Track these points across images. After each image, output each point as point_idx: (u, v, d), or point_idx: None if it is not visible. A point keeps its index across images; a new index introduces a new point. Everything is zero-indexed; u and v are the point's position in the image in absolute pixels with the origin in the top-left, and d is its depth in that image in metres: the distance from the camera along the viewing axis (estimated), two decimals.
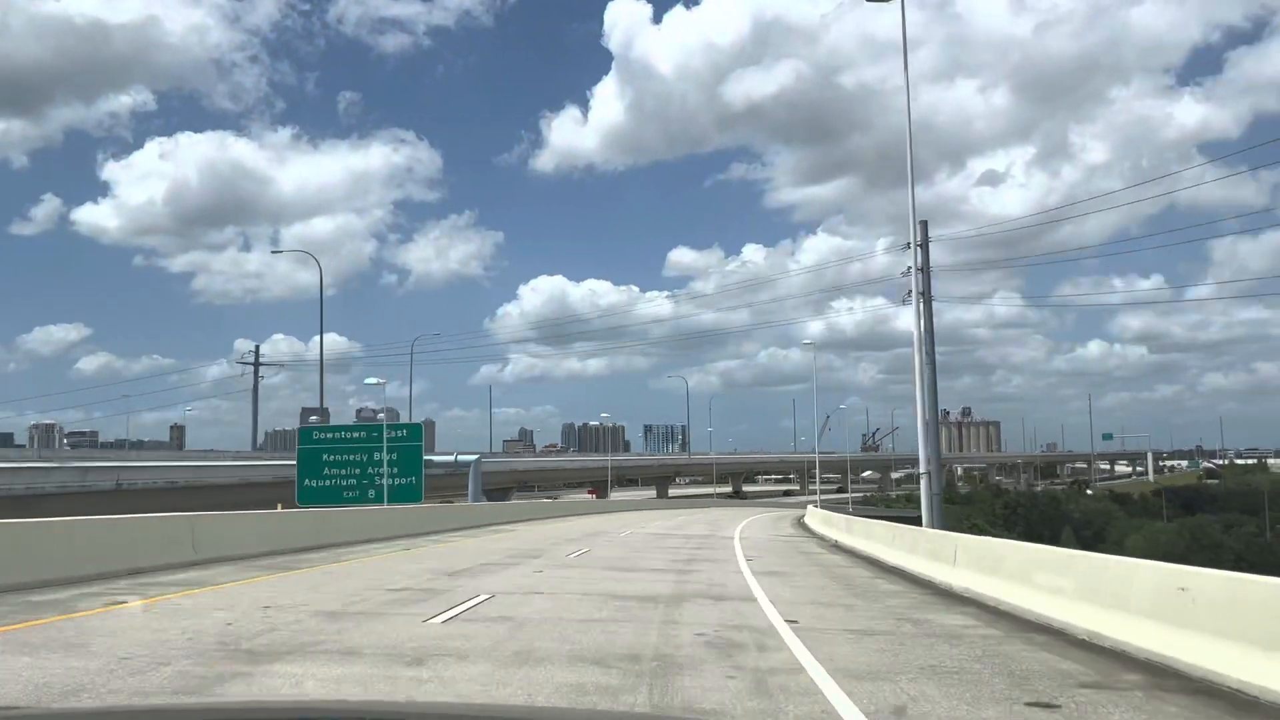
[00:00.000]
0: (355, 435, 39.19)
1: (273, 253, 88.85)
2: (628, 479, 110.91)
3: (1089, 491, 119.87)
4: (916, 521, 39.03)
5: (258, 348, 67.04)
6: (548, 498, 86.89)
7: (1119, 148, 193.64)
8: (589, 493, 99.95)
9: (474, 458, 42.20)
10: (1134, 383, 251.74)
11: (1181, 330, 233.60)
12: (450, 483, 48.71)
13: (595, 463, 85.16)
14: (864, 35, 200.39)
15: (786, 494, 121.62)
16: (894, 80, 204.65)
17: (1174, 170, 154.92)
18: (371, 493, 38.05)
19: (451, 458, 42.38)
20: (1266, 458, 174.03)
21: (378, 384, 32.83)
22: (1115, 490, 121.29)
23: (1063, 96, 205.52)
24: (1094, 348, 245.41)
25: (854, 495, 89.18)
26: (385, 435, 35.26)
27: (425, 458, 40.33)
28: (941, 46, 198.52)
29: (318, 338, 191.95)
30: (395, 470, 38.78)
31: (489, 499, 69.52)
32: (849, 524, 23.78)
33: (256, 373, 66.79)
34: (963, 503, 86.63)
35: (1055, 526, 75.57)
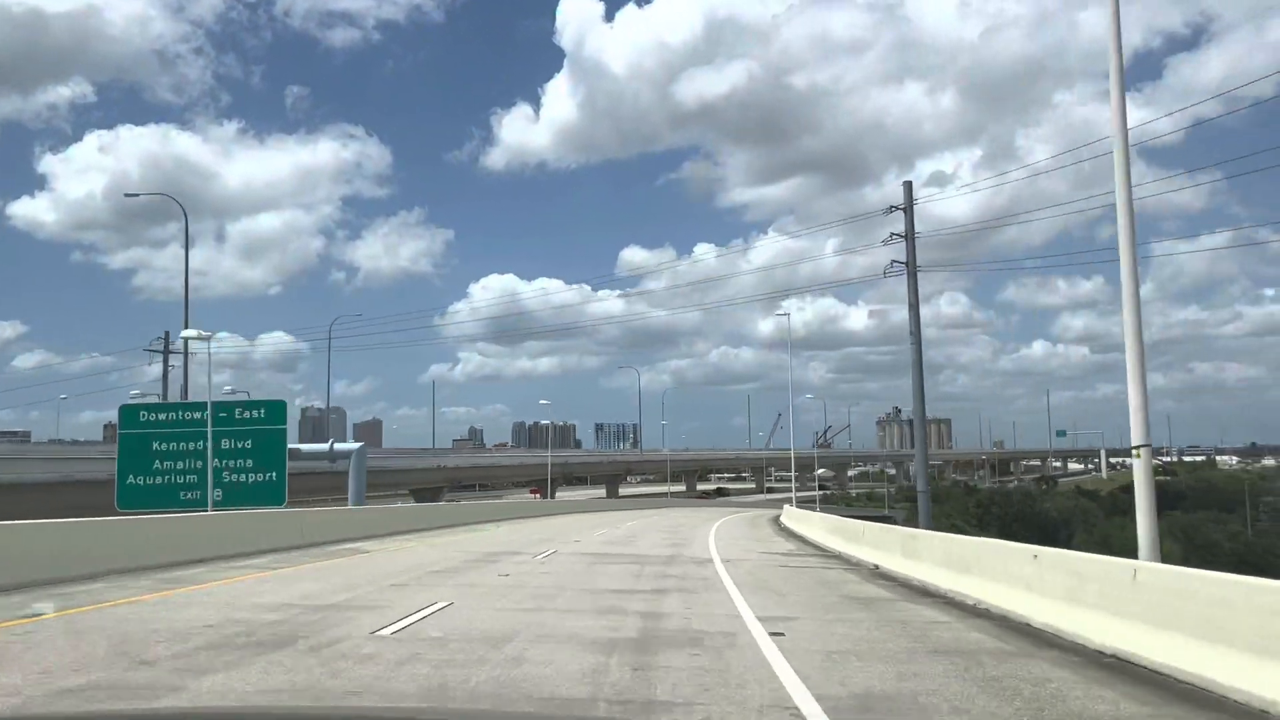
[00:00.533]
0: (196, 417, 29.12)
1: (126, 196, 77.07)
2: (576, 477, 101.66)
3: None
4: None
5: (167, 334, 58.67)
6: (490, 499, 77.02)
7: (1063, 151, 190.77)
8: (531, 493, 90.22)
9: (355, 447, 32.07)
10: (1077, 381, 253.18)
11: (1122, 331, 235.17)
12: (341, 482, 38.63)
13: (538, 459, 75.24)
14: (816, 36, 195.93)
15: (769, 491, 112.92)
16: (846, 80, 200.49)
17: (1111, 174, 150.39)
18: (219, 493, 28.35)
19: (326, 446, 32.20)
20: (1211, 454, 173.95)
21: (199, 337, 22.70)
22: (1082, 487, 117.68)
23: (1009, 100, 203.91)
24: (1038, 348, 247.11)
25: (818, 494, 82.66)
26: (211, 414, 25.17)
27: (292, 446, 30.40)
28: (891, 49, 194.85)
29: (264, 335, 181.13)
30: (249, 463, 29.04)
31: (416, 500, 59.58)
32: (904, 542, 14.50)
33: (166, 360, 59.78)
34: (932, 500, 79.85)
35: (1032, 525, 68.80)
